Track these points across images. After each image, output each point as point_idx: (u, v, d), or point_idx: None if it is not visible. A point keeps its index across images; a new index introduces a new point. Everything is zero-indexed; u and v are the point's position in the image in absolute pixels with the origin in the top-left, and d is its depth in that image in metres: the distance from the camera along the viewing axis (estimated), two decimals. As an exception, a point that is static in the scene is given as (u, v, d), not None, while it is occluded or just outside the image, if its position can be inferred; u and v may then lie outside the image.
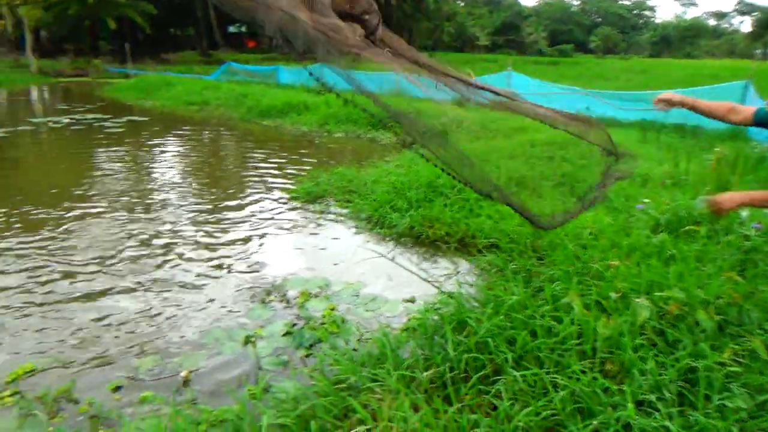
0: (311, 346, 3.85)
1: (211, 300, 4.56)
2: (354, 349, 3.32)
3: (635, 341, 2.84)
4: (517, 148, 8.44)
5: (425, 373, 2.78)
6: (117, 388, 3.34)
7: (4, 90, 25.41)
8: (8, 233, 6.03)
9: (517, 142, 8.80)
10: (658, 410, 2.40)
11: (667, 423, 2.30)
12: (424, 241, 5.88)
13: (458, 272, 5.10)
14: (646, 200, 5.58)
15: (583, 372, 2.60)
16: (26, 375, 3.47)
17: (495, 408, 2.54)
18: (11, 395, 3.24)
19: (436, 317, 3.33)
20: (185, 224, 6.48)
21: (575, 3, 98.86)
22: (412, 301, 4.54)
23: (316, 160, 9.83)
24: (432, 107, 13.91)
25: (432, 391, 2.74)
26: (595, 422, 2.31)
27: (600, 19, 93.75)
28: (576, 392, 2.47)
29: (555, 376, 2.62)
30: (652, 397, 2.47)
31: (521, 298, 3.32)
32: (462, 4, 75.74)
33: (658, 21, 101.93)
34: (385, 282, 4.95)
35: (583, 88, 16.79)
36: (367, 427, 2.41)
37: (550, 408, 2.42)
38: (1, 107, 20.03)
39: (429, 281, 4.58)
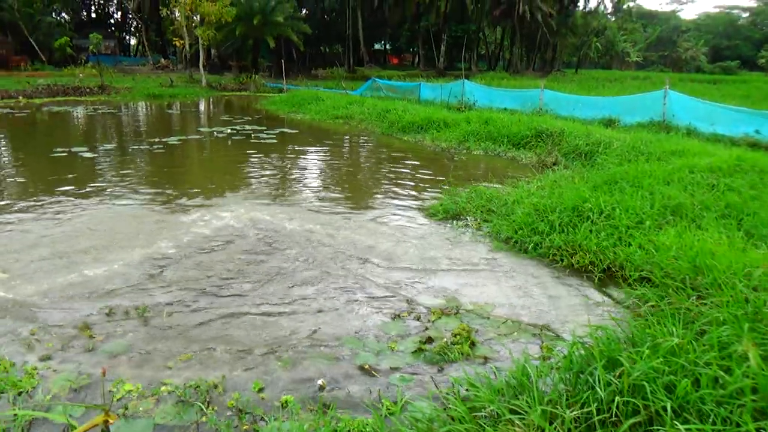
0: (443, 366, 3.82)
1: (349, 310, 4.71)
2: (493, 373, 3.22)
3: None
4: (674, 174, 7.76)
5: (570, 412, 2.62)
6: (261, 389, 3.55)
7: (179, 101, 28.60)
8: (178, 231, 6.73)
9: (673, 167, 8.10)
10: None
11: None
12: (566, 267, 5.61)
13: (605, 304, 4.78)
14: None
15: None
16: (183, 363, 3.81)
17: (650, 461, 2.32)
18: (169, 382, 3.58)
19: (582, 351, 3.13)
20: (322, 232, 6.78)
21: (743, 15, 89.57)
22: (545, 328, 4.35)
23: (455, 177, 9.83)
24: (578, 127, 13.35)
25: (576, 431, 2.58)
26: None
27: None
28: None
29: (723, 434, 2.34)
30: None
31: (682, 340, 3.01)
32: (612, 18, 71.96)
33: None
34: (518, 306, 4.80)
35: (751, 108, 15.08)
36: (507, 461, 2.32)
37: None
38: (175, 117, 22.55)
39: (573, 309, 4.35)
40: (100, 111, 22.77)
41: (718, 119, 13.58)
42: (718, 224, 5.97)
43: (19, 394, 3.39)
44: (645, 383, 2.63)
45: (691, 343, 3.05)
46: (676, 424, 2.37)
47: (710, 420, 2.47)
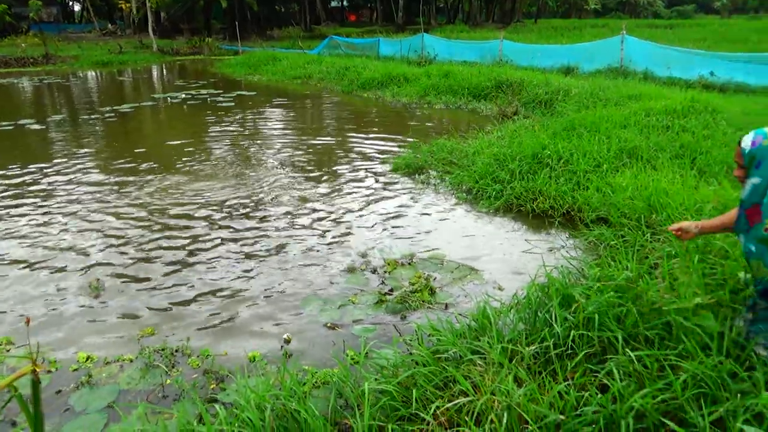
0: (405, 315, 3.87)
1: (307, 266, 4.70)
2: (455, 318, 3.27)
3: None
4: (630, 117, 7.88)
5: (529, 348, 2.69)
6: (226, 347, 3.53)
7: (129, 68, 27.51)
8: (128, 194, 6.55)
9: (630, 111, 8.21)
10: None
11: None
12: (527, 213, 5.69)
13: (564, 246, 4.88)
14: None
15: (707, 356, 2.39)
16: (149, 335, 3.75)
17: (604, 388, 2.41)
18: (136, 350, 3.54)
19: (539, 292, 3.20)
20: (284, 190, 6.70)
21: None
22: (496, 271, 4.43)
23: (416, 132, 9.77)
24: (537, 76, 13.33)
25: (535, 366, 2.65)
26: (720, 410, 2.12)
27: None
28: (698, 377, 2.27)
29: (673, 358, 2.43)
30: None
31: (633, 274, 3.11)
32: (570, -35, 71.30)
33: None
34: (473, 252, 4.89)
35: (706, 50, 15.33)
36: (469, 398, 2.37)
37: (668, 392, 2.25)
38: (127, 84, 21.72)
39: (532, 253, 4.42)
40: (46, 81, 21.76)
41: (674, 63, 13.78)
42: (672, 164, 6.11)
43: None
44: (596, 316, 2.71)
45: (643, 276, 3.14)
46: (627, 352, 2.46)
47: (656, 346, 2.57)
